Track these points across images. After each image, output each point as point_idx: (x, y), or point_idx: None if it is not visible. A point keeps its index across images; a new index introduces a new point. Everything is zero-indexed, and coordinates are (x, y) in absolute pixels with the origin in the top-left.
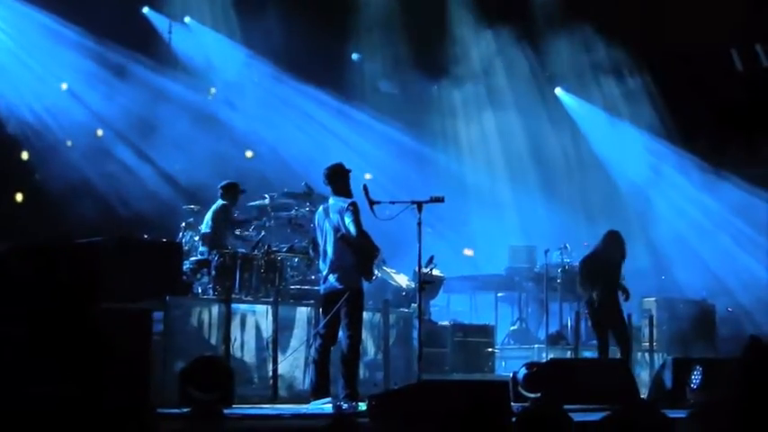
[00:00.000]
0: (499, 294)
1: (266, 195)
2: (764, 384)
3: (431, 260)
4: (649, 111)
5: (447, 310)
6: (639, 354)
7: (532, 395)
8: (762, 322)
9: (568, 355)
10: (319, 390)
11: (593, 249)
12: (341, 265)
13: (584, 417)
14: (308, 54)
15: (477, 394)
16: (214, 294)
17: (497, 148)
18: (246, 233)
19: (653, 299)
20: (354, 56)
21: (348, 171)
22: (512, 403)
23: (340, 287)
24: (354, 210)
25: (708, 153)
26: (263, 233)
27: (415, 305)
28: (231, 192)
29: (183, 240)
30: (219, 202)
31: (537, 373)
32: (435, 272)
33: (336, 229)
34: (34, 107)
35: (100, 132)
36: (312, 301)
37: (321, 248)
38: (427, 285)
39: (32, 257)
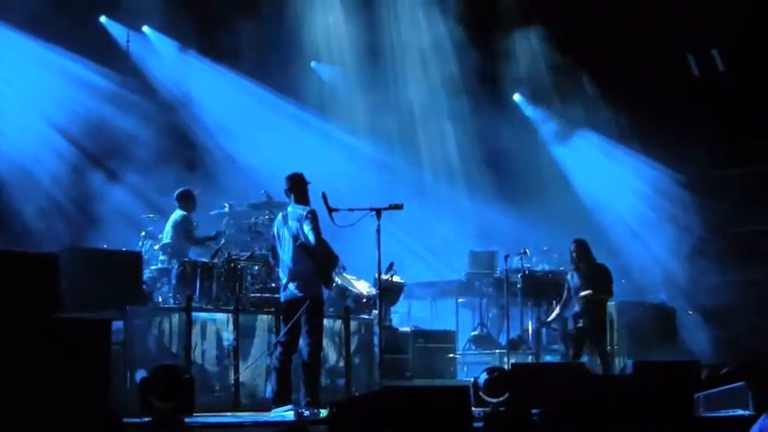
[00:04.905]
0: (460, 300)
1: (225, 204)
2: None
3: (391, 266)
4: (607, 116)
5: (408, 316)
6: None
7: (494, 400)
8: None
9: (529, 359)
10: (281, 397)
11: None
12: (300, 272)
13: None
14: (266, 61)
15: (438, 400)
16: (175, 303)
17: (455, 154)
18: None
19: (613, 302)
20: (313, 63)
21: (307, 182)
22: (473, 408)
23: (300, 295)
24: (313, 217)
25: (668, 158)
26: (222, 242)
27: (375, 312)
28: (187, 199)
29: (143, 249)
30: (179, 212)
31: (500, 378)
32: (395, 278)
33: (295, 237)
34: None
35: None
36: (273, 309)
37: (280, 257)
38: (388, 292)
39: None
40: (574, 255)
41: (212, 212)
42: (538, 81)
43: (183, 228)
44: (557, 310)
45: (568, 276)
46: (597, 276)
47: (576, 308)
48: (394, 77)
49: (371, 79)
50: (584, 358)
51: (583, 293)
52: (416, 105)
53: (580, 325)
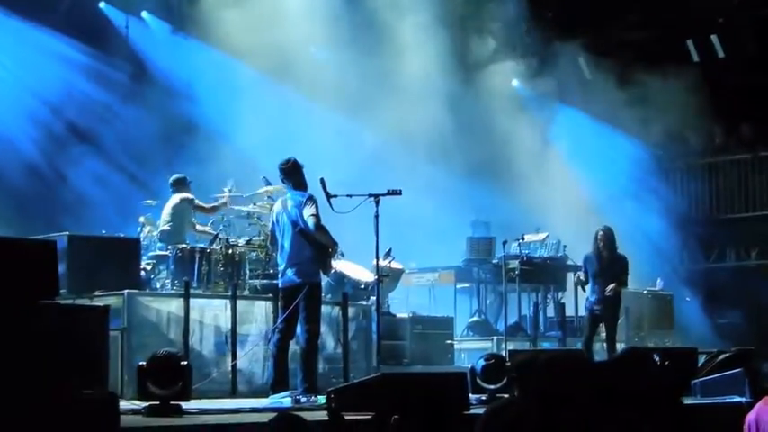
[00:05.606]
0: (458, 286)
1: (224, 189)
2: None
3: (389, 252)
4: (603, 100)
5: (406, 302)
6: (598, 344)
7: (491, 386)
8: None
9: (527, 346)
10: (278, 384)
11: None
12: (299, 259)
13: None
14: (261, 45)
15: (436, 386)
16: (172, 289)
17: (452, 140)
18: (207, 228)
19: (610, 287)
20: (312, 49)
21: (301, 165)
22: (470, 395)
23: (298, 281)
24: (313, 203)
25: (664, 143)
26: (221, 227)
27: (373, 298)
28: (182, 185)
29: (141, 235)
30: (176, 195)
31: (497, 364)
32: (394, 264)
33: (294, 224)
34: None
35: None
36: (271, 296)
37: (279, 243)
38: (386, 278)
39: None
40: (600, 243)
41: (212, 196)
42: (533, 62)
43: (186, 207)
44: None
45: (586, 259)
46: (618, 266)
47: (596, 294)
48: (390, 60)
49: (368, 63)
50: (580, 344)
51: (610, 287)
52: (413, 89)
53: (597, 312)
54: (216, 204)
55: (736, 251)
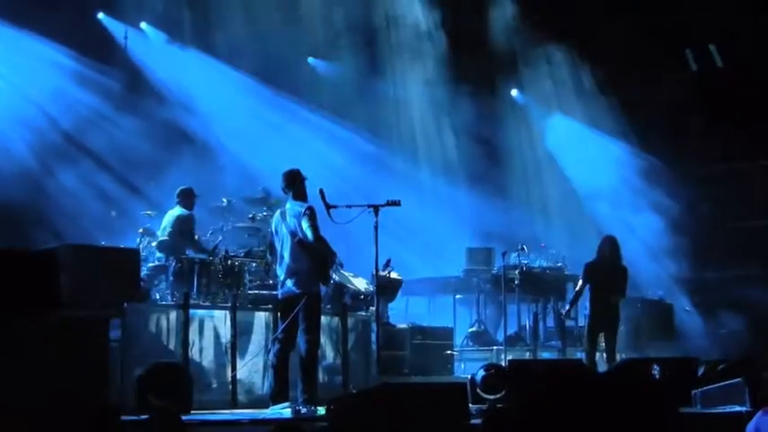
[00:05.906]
0: (457, 296)
1: (223, 200)
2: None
3: (388, 263)
4: (604, 109)
5: (405, 312)
6: (598, 354)
7: (491, 397)
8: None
9: (527, 356)
10: (278, 395)
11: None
12: (298, 269)
13: None
14: (263, 55)
15: (436, 396)
16: (172, 300)
17: (452, 150)
18: (204, 239)
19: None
20: (311, 59)
21: (304, 177)
22: (470, 405)
23: (297, 292)
24: (311, 214)
25: (663, 152)
26: (220, 238)
27: (373, 308)
28: (188, 197)
29: (141, 246)
30: (179, 210)
31: (496, 374)
32: (393, 274)
33: (293, 234)
34: None
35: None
36: (270, 306)
37: (278, 253)
38: (385, 288)
39: None
40: (604, 252)
41: (211, 205)
42: (534, 74)
43: (185, 226)
44: (574, 296)
45: (588, 267)
46: (619, 276)
47: (595, 304)
48: (388, 69)
49: (368, 74)
50: (579, 354)
51: (612, 296)
52: (411, 98)
53: (597, 322)
54: (207, 251)
55: (736, 260)
